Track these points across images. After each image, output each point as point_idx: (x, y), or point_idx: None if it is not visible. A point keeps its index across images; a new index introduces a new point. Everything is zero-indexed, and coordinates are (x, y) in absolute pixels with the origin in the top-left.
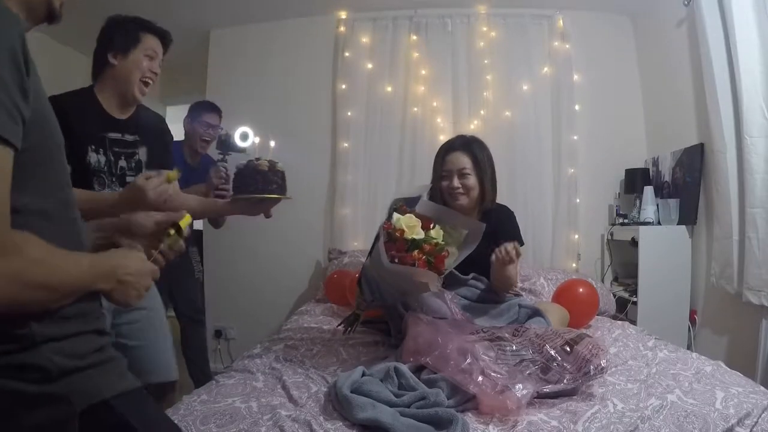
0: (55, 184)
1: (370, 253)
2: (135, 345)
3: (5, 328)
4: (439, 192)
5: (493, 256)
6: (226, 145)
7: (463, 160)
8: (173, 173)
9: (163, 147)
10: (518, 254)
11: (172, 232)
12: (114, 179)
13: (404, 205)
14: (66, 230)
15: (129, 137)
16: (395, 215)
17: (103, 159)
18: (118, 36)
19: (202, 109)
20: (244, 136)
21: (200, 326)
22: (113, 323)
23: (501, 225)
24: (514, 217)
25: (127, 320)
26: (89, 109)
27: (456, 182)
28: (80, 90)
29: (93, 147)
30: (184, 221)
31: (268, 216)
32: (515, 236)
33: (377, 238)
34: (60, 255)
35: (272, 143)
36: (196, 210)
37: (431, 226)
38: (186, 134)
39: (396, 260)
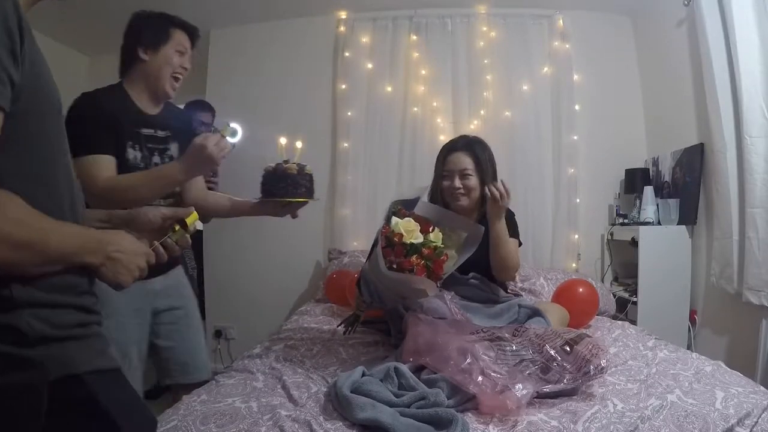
0: (46, 151)
1: (369, 257)
2: (170, 345)
3: None
4: (440, 192)
5: (487, 193)
6: None
7: (465, 161)
8: (226, 129)
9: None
10: (508, 192)
11: (178, 227)
12: None
13: (402, 208)
14: (58, 198)
15: (161, 133)
16: (393, 219)
17: (139, 155)
18: (148, 31)
19: (196, 108)
20: (233, 132)
21: None
22: (152, 323)
23: None
24: (514, 217)
25: (167, 320)
26: (123, 105)
27: (457, 183)
28: (112, 86)
29: (131, 143)
30: (191, 218)
31: (294, 217)
32: (515, 234)
33: (376, 242)
34: (44, 218)
35: (299, 144)
36: (227, 208)
37: (430, 229)
38: None
39: (394, 266)
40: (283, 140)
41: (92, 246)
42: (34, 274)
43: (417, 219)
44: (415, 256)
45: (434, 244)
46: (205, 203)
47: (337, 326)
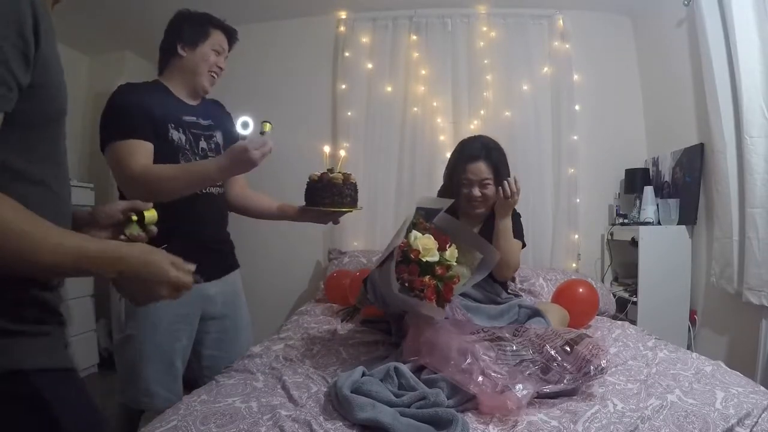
0: (47, 152)
1: (381, 264)
2: (213, 355)
3: None
4: (456, 196)
5: (500, 192)
6: None
7: (485, 171)
8: (268, 124)
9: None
10: (518, 190)
11: (135, 218)
12: (197, 158)
13: (423, 219)
14: (53, 201)
15: (204, 122)
16: (413, 233)
17: (183, 137)
18: (188, 29)
19: None
20: (245, 125)
21: None
22: (199, 329)
23: None
24: (519, 219)
25: (215, 329)
26: (163, 95)
27: (477, 192)
28: (149, 81)
29: (173, 125)
30: (149, 214)
31: (336, 223)
32: (518, 235)
33: (391, 255)
34: (38, 223)
35: (342, 152)
36: (273, 210)
37: (447, 245)
38: None
39: (406, 284)
40: (327, 149)
41: (98, 261)
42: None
43: (436, 232)
44: (428, 276)
45: (448, 263)
46: (246, 202)
47: (336, 312)
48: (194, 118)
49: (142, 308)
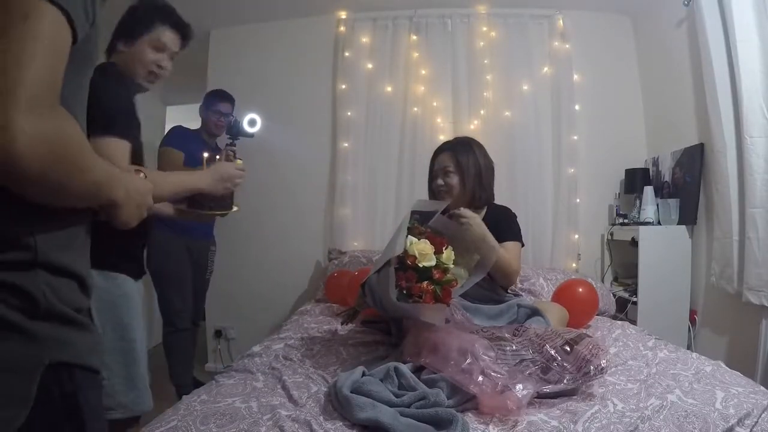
0: (81, 99)
1: (379, 270)
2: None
3: (8, 231)
4: (431, 192)
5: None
6: (234, 130)
7: (446, 160)
8: (240, 161)
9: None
10: (461, 216)
11: None
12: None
13: (418, 224)
14: None
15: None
16: (409, 239)
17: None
18: (130, 22)
19: (215, 98)
20: (252, 122)
21: (193, 330)
22: None
23: (500, 224)
24: (515, 218)
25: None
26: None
27: (440, 180)
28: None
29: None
30: None
31: (209, 222)
32: (515, 236)
33: (388, 263)
34: (89, 146)
35: (218, 158)
36: (172, 214)
37: (443, 248)
38: (202, 121)
39: (404, 291)
40: (206, 155)
41: (116, 181)
42: (56, 209)
43: (431, 236)
44: (426, 282)
45: (445, 266)
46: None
47: (336, 315)
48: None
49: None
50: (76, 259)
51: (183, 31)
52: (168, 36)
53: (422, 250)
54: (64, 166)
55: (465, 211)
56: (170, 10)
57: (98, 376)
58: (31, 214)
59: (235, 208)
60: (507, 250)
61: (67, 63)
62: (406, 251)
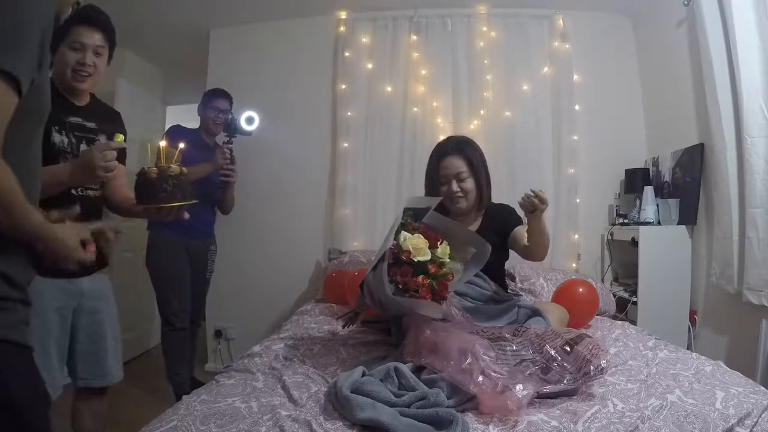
0: (34, 146)
1: (374, 268)
2: (86, 349)
3: None
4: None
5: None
6: (231, 128)
7: (459, 164)
8: (120, 136)
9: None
10: (541, 200)
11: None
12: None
13: (411, 220)
14: (29, 188)
15: (89, 124)
16: (402, 234)
17: (66, 140)
18: (56, 32)
19: (213, 96)
20: (250, 120)
21: (192, 330)
22: (73, 324)
23: (503, 218)
24: (513, 209)
25: (87, 323)
26: (51, 91)
27: (455, 186)
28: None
29: (56, 128)
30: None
31: (181, 219)
32: (519, 221)
33: (383, 257)
34: (22, 197)
35: (162, 143)
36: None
37: (438, 242)
38: (201, 120)
39: (400, 286)
40: (163, 143)
41: (43, 234)
42: None
43: (425, 231)
44: (421, 276)
45: (441, 260)
46: (124, 202)
47: (337, 319)
48: (79, 120)
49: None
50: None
51: (95, 23)
52: (81, 32)
53: (416, 245)
54: None
55: (541, 193)
56: (82, 10)
57: (18, 347)
58: None
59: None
60: (523, 233)
61: (17, 114)
62: (399, 246)
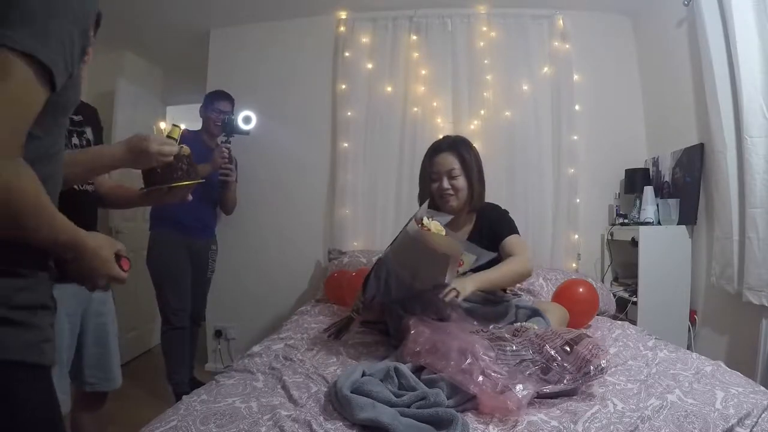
0: (60, 138)
1: (393, 242)
2: (93, 353)
3: None
4: (430, 195)
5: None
6: (229, 128)
7: (452, 161)
8: (175, 130)
9: (101, 131)
10: (457, 294)
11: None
12: None
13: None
14: (53, 182)
15: (76, 117)
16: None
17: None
18: None
19: (214, 98)
20: (247, 120)
21: (193, 329)
22: (80, 328)
23: (494, 223)
24: (507, 213)
25: (93, 326)
26: None
27: (446, 183)
28: None
29: None
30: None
31: (185, 200)
32: (512, 230)
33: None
34: (47, 201)
35: (183, 126)
36: (136, 200)
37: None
38: (202, 122)
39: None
40: (162, 125)
41: (74, 241)
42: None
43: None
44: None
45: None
46: (116, 196)
47: (325, 331)
48: None
49: None
50: (25, 259)
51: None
52: None
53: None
54: (16, 203)
55: (450, 294)
56: None
57: (38, 370)
58: None
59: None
60: (512, 245)
61: (46, 109)
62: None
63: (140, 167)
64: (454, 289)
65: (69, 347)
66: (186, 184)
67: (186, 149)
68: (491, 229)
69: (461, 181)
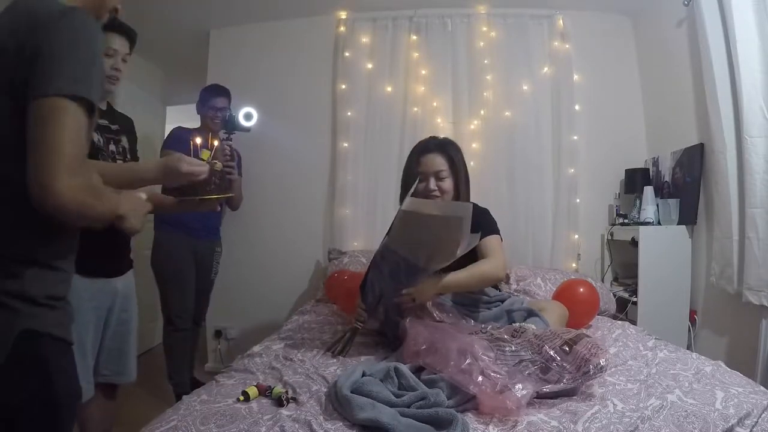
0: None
1: (389, 232)
2: (112, 347)
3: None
4: (415, 195)
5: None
6: (230, 124)
7: (440, 162)
8: (206, 152)
9: (135, 140)
10: (413, 299)
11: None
12: (109, 161)
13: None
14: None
15: (113, 126)
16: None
17: (101, 140)
18: None
19: (210, 94)
20: (248, 116)
21: (194, 330)
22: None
23: (479, 227)
24: (488, 212)
25: (116, 322)
26: None
27: (432, 185)
28: None
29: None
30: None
31: (214, 210)
32: (492, 230)
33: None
34: (102, 187)
35: (215, 142)
36: (171, 205)
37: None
38: (200, 119)
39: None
40: (199, 140)
41: (120, 205)
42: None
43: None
44: None
45: None
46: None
47: (328, 350)
48: (105, 122)
49: None
50: (64, 260)
51: (127, 32)
52: (114, 39)
53: None
54: (88, 203)
55: (406, 298)
56: (115, 19)
57: (64, 344)
58: (36, 231)
59: (230, 195)
60: (487, 247)
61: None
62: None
63: (169, 184)
64: (410, 295)
65: (94, 340)
66: (217, 198)
67: (218, 165)
68: (474, 226)
69: (448, 183)
